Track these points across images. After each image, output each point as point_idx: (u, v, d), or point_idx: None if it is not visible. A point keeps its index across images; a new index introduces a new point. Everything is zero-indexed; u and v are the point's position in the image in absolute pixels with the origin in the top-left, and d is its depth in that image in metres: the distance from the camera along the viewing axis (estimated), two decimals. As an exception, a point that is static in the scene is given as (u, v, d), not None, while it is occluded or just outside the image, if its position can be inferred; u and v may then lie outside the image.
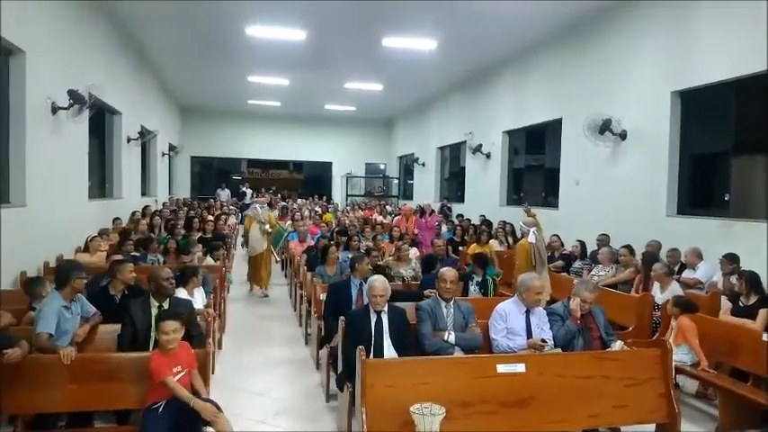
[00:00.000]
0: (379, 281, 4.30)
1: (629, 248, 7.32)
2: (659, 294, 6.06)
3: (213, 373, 4.67)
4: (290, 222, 11.63)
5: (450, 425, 3.42)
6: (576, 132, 9.73)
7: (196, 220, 10.79)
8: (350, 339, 4.07)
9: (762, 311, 5.06)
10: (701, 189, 8.02)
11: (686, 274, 6.77)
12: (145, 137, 13.64)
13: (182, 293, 4.84)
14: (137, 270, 4.83)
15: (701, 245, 6.94)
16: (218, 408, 3.38)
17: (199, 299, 5.08)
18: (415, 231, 11.16)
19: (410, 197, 21.05)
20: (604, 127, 8.62)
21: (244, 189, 22.76)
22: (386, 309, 4.24)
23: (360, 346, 3.47)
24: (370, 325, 4.14)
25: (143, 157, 14.56)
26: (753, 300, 5.20)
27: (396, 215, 16.32)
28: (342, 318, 4.32)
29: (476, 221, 12.59)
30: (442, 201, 17.27)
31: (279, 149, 23.68)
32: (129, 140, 12.07)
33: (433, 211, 12.55)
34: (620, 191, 8.92)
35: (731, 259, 6.30)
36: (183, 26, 10.92)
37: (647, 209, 8.28)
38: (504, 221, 11.86)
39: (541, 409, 3.62)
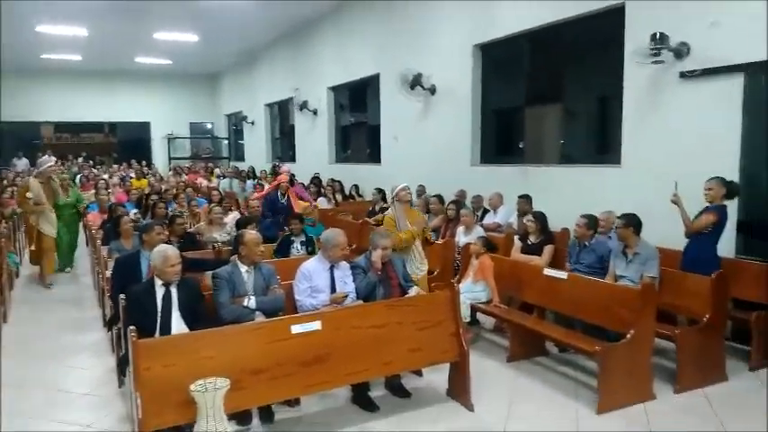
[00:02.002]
0: (170, 249, 3.90)
1: (440, 198, 7.70)
2: (464, 238, 6.46)
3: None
4: (93, 192, 10.36)
5: (242, 394, 3.26)
6: (392, 88, 9.89)
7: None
8: (133, 318, 3.65)
9: (546, 248, 5.60)
10: (500, 139, 8.66)
11: (488, 218, 7.32)
12: None
13: None
14: None
15: (502, 190, 7.53)
16: None
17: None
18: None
19: (242, 158, 20.17)
20: (415, 82, 8.85)
21: (45, 157, 19.85)
22: (176, 280, 3.86)
23: (130, 327, 3.09)
24: (156, 300, 3.75)
25: None
26: (540, 238, 5.73)
27: (223, 177, 15.51)
28: (122, 295, 3.87)
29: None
30: (273, 161, 16.78)
31: (88, 110, 20.97)
32: None
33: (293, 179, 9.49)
34: (432, 144, 9.32)
35: (525, 200, 6.93)
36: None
37: (455, 159, 8.76)
38: (332, 179, 11.86)
39: (339, 363, 3.60)
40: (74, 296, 7.18)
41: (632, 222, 4.71)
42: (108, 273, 4.94)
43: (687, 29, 5.50)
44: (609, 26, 6.49)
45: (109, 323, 4.76)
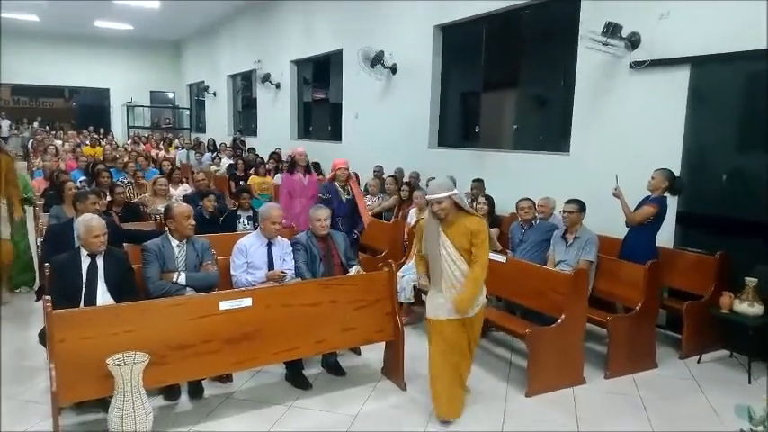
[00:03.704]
0: (95, 219, 3.76)
1: (395, 179, 7.67)
2: (415, 219, 6.45)
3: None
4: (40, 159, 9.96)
5: (164, 369, 3.21)
6: (354, 65, 9.73)
7: None
8: (56, 288, 3.52)
9: (492, 230, 5.64)
10: (459, 123, 8.65)
11: (441, 200, 7.32)
12: None
13: None
14: None
15: (456, 173, 7.52)
16: None
17: None
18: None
19: (203, 130, 19.69)
20: (376, 60, 8.73)
21: (-1, 121, 19.04)
22: (102, 251, 3.74)
23: (45, 297, 2.98)
24: (81, 271, 3.62)
25: None
26: (488, 221, 5.77)
27: (181, 148, 15.11)
28: (46, 264, 3.73)
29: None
30: (235, 134, 16.44)
31: (48, 74, 20.03)
32: None
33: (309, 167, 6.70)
34: (391, 124, 9.24)
35: (479, 184, 6.98)
36: None
37: (413, 141, 8.72)
38: (289, 156, 11.64)
39: (269, 341, 3.58)
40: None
41: (584, 208, 4.80)
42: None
43: (639, 19, 5.53)
44: (564, 14, 6.50)
45: (38, 293, 4.59)
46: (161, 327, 3.25)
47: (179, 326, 3.31)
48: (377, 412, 3.65)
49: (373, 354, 4.42)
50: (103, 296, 3.60)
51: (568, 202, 4.86)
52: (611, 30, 5.56)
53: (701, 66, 5.10)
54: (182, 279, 3.87)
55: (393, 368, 4.07)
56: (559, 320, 4.01)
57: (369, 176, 8.76)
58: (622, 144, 5.79)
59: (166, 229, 4.08)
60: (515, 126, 7.69)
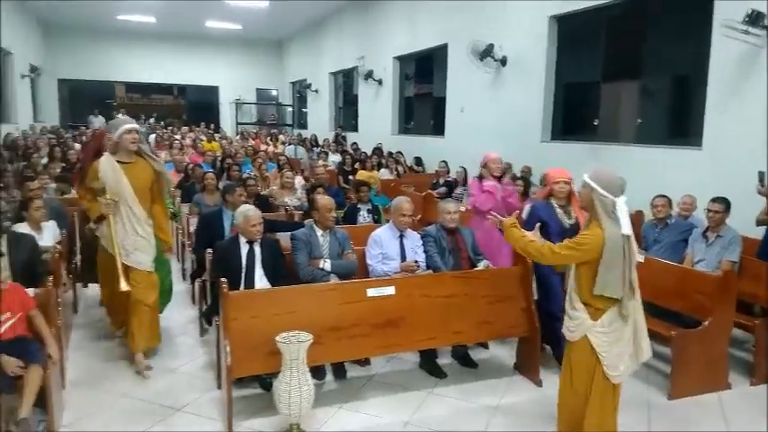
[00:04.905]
0: (252, 210, 4.10)
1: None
2: (531, 215, 6.39)
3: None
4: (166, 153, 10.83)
5: (321, 349, 3.43)
6: (460, 59, 9.74)
7: (57, 148, 9.73)
8: (219, 272, 3.86)
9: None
10: (573, 115, 8.42)
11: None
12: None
13: (23, 228, 4.34)
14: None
15: (571, 168, 7.34)
16: (41, 359, 3.08)
17: (47, 234, 4.56)
18: (469, 207, 5.68)
19: (305, 126, 20.46)
20: (486, 53, 8.68)
21: (119, 116, 20.73)
22: (259, 239, 4.06)
23: (222, 279, 3.29)
24: (241, 256, 3.96)
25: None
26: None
27: (289, 143, 15.77)
28: (209, 250, 4.10)
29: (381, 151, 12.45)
30: (336, 130, 16.95)
31: (160, 72, 21.66)
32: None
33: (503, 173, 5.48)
34: (500, 117, 9.16)
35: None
36: None
37: (524, 134, 8.60)
38: (390, 152, 11.90)
39: (410, 329, 3.71)
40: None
41: (729, 207, 4.58)
42: (191, 228, 5.20)
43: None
44: (696, 1, 6.15)
45: (192, 276, 5.03)
46: (317, 309, 3.49)
47: (332, 309, 3.53)
48: (515, 406, 3.69)
49: (501, 349, 4.47)
50: (261, 280, 3.92)
51: (714, 200, 4.62)
52: (754, 18, 5.22)
53: None
54: (327, 266, 4.12)
55: (527, 364, 4.08)
56: (706, 323, 3.85)
57: (476, 171, 8.75)
58: (762, 140, 5.41)
59: (311, 219, 4.35)
60: (639, 120, 7.38)
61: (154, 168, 4.02)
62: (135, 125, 3.96)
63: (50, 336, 3.27)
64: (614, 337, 2.74)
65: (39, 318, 3.29)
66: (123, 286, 3.75)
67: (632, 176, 6.68)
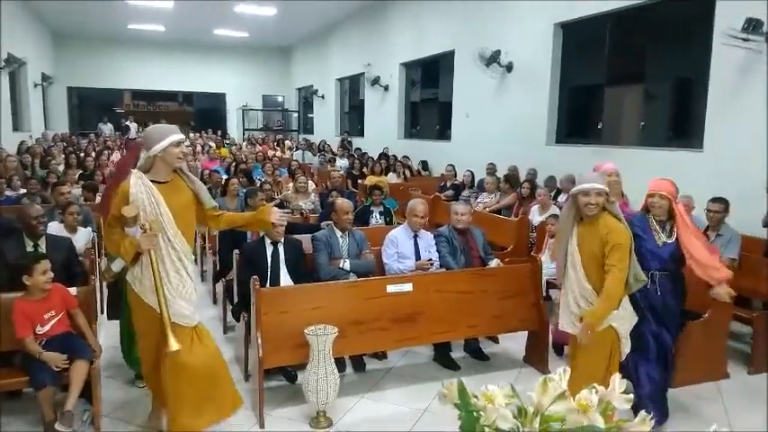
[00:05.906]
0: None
1: (507, 178, 7.86)
2: (538, 217, 6.63)
3: (102, 312, 4.55)
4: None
5: (345, 342, 3.66)
6: (466, 65, 9.99)
7: (73, 156, 10.02)
8: (246, 271, 4.11)
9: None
10: (577, 119, 8.66)
11: (561, 198, 7.41)
12: (12, 65, 12.21)
13: (57, 230, 4.60)
14: (5, 210, 4.48)
15: (575, 171, 7.58)
16: (88, 354, 3.31)
17: (81, 237, 4.82)
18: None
19: (311, 131, 20.74)
20: (492, 59, 8.93)
21: (127, 123, 21.03)
22: (282, 240, 4.31)
23: (254, 277, 3.53)
24: (266, 256, 4.21)
25: (12, 88, 13.07)
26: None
27: (296, 149, 16.05)
28: (236, 251, 4.35)
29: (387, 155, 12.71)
30: (342, 135, 17.21)
31: (166, 80, 21.95)
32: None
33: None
34: (505, 122, 9.41)
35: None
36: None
37: (528, 138, 8.84)
38: (395, 156, 12.15)
39: (428, 323, 3.95)
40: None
41: (728, 207, 4.79)
42: (213, 232, 5.44)
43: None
44: (696, 9, 6.38)
45: (216, 276, 5.27)
46: (341, 304, 3.73)
47: (355, 304, 3.77)
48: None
49: (510, 342, 4.70)
50: (285, 278, 4.17)
51: (713, 200, 4.85)
52: (753, 26, 5.45)
53: None
54: (347, 265, 4.37)
55: (536, 356, 4.32)
56: (705, 315, 4.07)
57: (480, 173, 9.00)
58: (761, 142, 5.63)
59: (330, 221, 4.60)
60: (642, 123, 7.61)
61: (192, 189, 3.02)
62: (182, 135, 2.96)
63: (91, 332, 3.51)
64: (627, 318, 3.19)
65: (80, 316, 3.53)
66: (173, 345, 2.77)
67: (635, 178, 6.94)
